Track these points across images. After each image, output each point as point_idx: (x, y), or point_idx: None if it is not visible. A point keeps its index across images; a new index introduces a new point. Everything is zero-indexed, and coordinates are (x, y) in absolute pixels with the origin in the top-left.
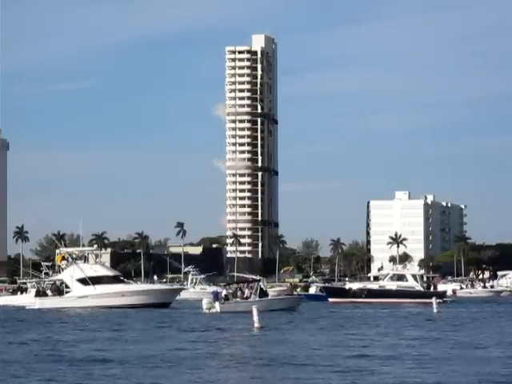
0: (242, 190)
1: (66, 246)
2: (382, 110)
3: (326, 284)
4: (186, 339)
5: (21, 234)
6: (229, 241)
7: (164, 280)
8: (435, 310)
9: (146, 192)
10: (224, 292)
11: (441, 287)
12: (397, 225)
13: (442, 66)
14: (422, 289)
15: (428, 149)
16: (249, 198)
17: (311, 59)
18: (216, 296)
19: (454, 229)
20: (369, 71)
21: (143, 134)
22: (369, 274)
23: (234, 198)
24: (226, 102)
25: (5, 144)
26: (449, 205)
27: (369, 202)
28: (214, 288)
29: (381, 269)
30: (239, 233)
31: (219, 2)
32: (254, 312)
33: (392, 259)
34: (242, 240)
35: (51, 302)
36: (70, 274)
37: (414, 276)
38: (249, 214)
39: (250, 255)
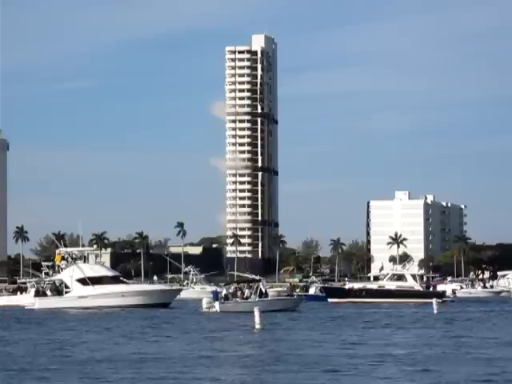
0: (242, 190)
1: (65, 246)
2: (382, 110)
3: (326, 284)
4: (185, 339)
5: (21, 234)
6: (229, 241)
7: (164, 280)
8: (435, 311)
9: (146, 192)
10: (224, 292)
11: (440, 287)
12: (397, 225)
13: (442, 66)
14: (421, 289)
15: (428, 149)
16: (249, 197)
17: (311, 59)
18: (216, 296)
19: (454, 229)
20: (369, 71)
21: (143, 134)
22: (369, 274)
23: (234, 198)
24: (225, 101)
25: (5, 144)
26: (449, 205)
27: (369, 202)
28: (213, 288)
29: (381, 269)
30: (239, 233)
31: (219, 2)
32: (256, 313)
33: (392, 259)
34: (242, 240)
35: (51, 302)
36: (69, 274)
37: (413, 276)
38: (249, 213)
39: (250, 255)
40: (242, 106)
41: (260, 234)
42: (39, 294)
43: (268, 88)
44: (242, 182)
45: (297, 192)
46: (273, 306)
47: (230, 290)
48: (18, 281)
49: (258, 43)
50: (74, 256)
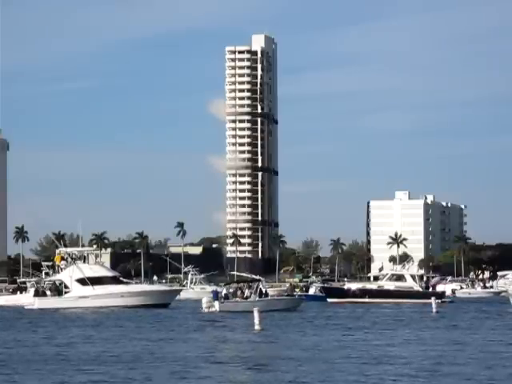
0: (242, 190)
1: (65, 246)
2: (382, 110)
3: (325, 284)
4: (183, 339)
5: (21, 234)
6: (229, 241)
7: (164, 280)
8: (434, 310)
9: (146, 192)
10: (224, 291)
11: (440, 287)
12: (397, 225)
13: (442, 66)
14: (420, 289)
15: (428, 149)
16: (249, 197)
17: (311, 59)
18: (216, 296)
19: (454, 229)
20: (369, 71)
21: (143, 134)
22: (369, 274)
23: (234, 198)
24: (225, 100)
25: (5, 144)
26: (449, 205)
27: (369, 202)
28: (213, 288)
29: (381, 269)
30: (239, 233)
31: (219, 2)
32: (255, 313)
33: (392, 259)
34: (242, 240)
35: (50, 302)
36: (69, 274)
37: (412, 276)
38: (249, 213)
39: (250, 255)
40: (242, 105)
41: (260, 234)
42: (39, 293)
43: (268, 88)
44: (241, 182)
45: (297, 192)
46: (273, 306)
47: (230, 290)
48: (18, 281)
49: (258, 43)
50: (73, 256)
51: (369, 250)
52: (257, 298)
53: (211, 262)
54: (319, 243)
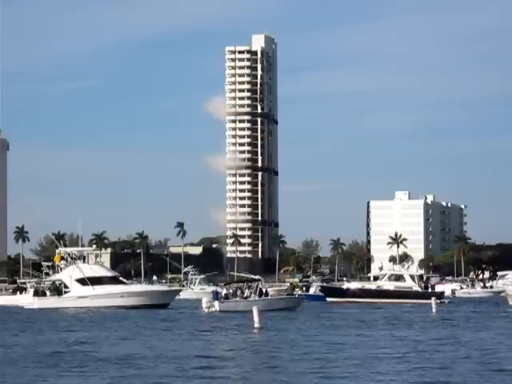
0: (242, 190)
1: (65, 246)
2: (382, 110)
3: (324, 284)
4: (182, 339)
5: (21, 234)
6: (229, 241)
7: (164, 280)
8: (434, 310)
9: (146, 192)
10: (224, 291)
11: (439, 287)
12: (397, 225)
13: (442, 66)
14: (419, 289)
15: (428, 149)
16: (249, 197)
17: (311, 59)
18: (216, 295)
19: (454, 229)
20: (369, 71)
21: (143, 134)
22: (369, 274)
23: (234, 198)
24: (225, 100)
25: (5, 144)
26: (449, 205)
27: (369, 202)
28: (213, 288)
29: (381, 269)
30: (239, 233)
31: (219, 2)
32: (255, 312)
33: (392, 259)
34: (242, 240)
35: (50, 302)
36: (68, 274)
37: (411, 276)
38: (249, 213)
39: (250, 255)
40: (242, 105)
41: (260, 234)
42: (38, 293)
43: (268, 88)
44: (241, 182)
45: (297, 192)
46: (273, 306)
47: (230, 290)
48: (18, 281)
49: (258, 43)
50: (73, 256)
51: (369, 250)
52: (257, 298)
53: (211, 262)
54: (319, 243)
